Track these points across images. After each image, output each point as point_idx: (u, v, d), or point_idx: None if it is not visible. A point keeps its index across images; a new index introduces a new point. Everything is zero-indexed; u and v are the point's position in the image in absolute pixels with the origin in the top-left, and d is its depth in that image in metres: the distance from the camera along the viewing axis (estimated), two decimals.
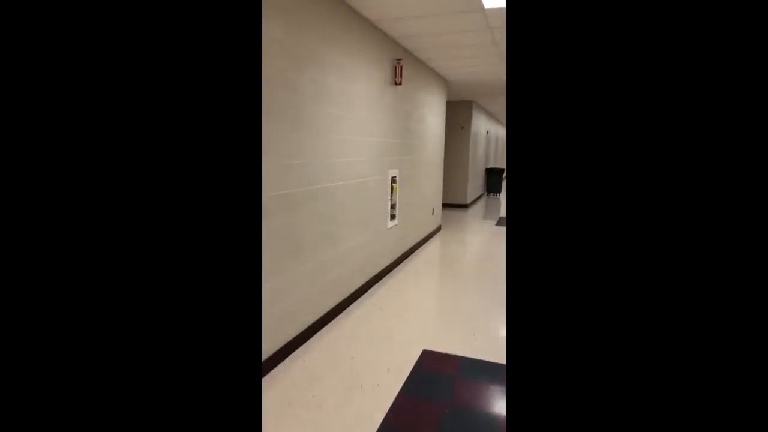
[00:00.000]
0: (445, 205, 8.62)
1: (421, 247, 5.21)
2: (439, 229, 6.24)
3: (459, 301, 3.43)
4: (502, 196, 10.84)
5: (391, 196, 4.03)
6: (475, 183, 9.50)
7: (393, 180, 4.04)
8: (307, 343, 2.68)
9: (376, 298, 3.46)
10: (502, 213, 8.14)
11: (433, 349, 2.60)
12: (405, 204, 4.51)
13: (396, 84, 3.88)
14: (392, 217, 4.10)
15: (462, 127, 8.55)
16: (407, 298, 3.46)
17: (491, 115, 11.42)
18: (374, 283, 3.77)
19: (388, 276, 4.03)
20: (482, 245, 5.44)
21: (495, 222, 7.09)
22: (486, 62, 4.68)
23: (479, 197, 10.27)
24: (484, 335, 2.81)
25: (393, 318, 3.07)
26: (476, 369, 2.37)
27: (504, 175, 12.91)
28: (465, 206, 8.64)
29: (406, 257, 4.68)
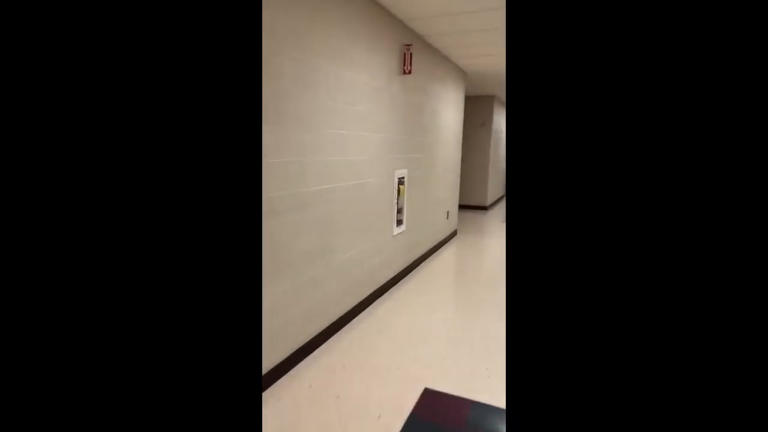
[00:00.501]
0: (463, 207, 8.12)
1: (433, 255, 4.75)
2: (454, 233, 5.77)
3: (472, 323, 2.97)
4: None
5: (398, 200, 3.59)
6: (495, 184, 8.96)
7: (400, 181, 3.60)
8: (288, 374, 2.28)
9: (375, 318, 3.03)
10: None
11: (436, 388, 2.16)
12: (415, 208, 4.07)
13: (405, 73, 3.43)
14: (399, 222, 3.66)
15: (483, 124, 8.02)
16: (411, 319, 3.02)
17: None
18: (375, 299, 3.34)
19: (393, 289, 3.60)
20: (502, 253, 4.94)
21: None
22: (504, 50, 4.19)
23: (500, 198, 9.70)
24: (499, 371, 2.35)
25: (392, 345, 2.64)
26: (488, 418, 1.91)
27: None
28: (484, 208, 8.12)
29: (415, 267, 4.24)
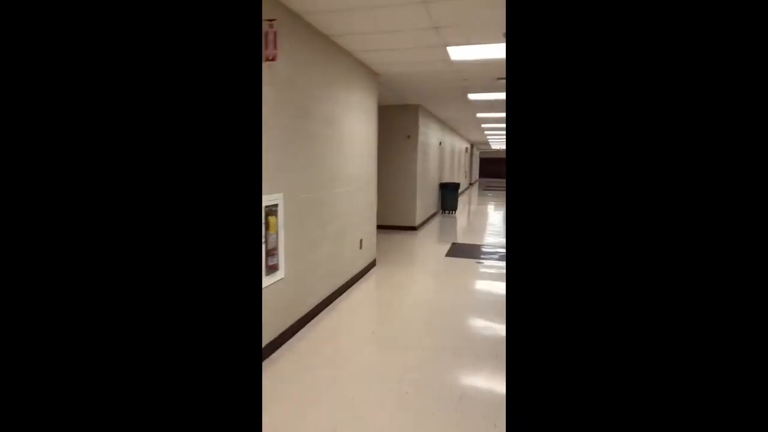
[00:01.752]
0: (389, 228, 7.23)
1: (338, 300, 3.73)
2: (372, 264, 4.80)
3: None
4: (459, 214, 9.60)
5: (267, 237, 2.55)
6: (426, 201, 8.20)
7: (269, 211, 2.57)
8: None
9: None
10: (459, 237, 6.82)
11: None
12: (301, 244, 3.04)
13: (269, 59, 2.44)
14: (272, 269, 2.61)
15: (408, 137, 7.25)
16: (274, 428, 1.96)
17: (444, 123, 10.22)
18: None
19: (265, 366, 2.52)
20: (434, 289, 4.03)
21: (446, 251, 5.72)
22: (420, 41, 3.34)
23: (432, 216, 8.96)
24: None
25: None
26: None
27: (460, 190, 11.75)
28: (413, 228, 7.29)
29: (307, 322, 3.19)
